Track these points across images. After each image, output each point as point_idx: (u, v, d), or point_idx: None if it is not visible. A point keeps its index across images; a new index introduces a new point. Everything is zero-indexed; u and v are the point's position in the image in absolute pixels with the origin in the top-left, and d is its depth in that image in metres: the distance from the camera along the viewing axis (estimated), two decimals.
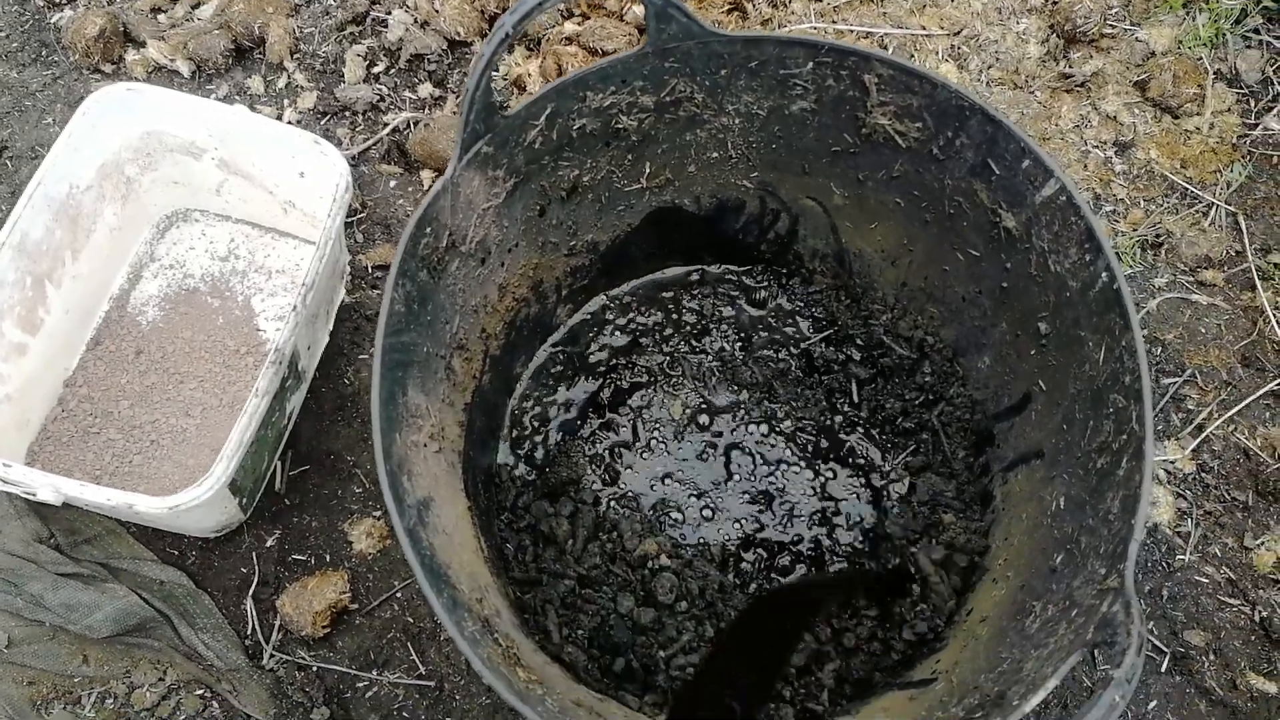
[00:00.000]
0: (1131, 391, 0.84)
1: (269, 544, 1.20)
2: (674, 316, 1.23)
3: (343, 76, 1.48)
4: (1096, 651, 0.74)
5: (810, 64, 1.00)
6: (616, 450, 1.15)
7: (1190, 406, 1.31)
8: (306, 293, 1.09)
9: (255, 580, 1.17)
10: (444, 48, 1.48)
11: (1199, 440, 1.29)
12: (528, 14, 0.86)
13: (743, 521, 1.12)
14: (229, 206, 1.32)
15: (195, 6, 1.54)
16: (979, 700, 0.82)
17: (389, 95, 1.47)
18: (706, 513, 1.12)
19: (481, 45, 1.50)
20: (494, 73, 1.48)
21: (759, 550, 1.10)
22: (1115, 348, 0.87)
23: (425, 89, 1.47)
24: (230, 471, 1.01)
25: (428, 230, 0.90)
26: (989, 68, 1.51)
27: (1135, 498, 0.80)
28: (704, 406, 1.17)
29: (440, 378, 0.98)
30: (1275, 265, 1.39)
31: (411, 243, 0.88)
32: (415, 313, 0.91)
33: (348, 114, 1.47)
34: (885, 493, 1.13)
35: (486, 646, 0.80)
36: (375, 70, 1.49)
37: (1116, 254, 1.39)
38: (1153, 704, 1.15)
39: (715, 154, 1.11)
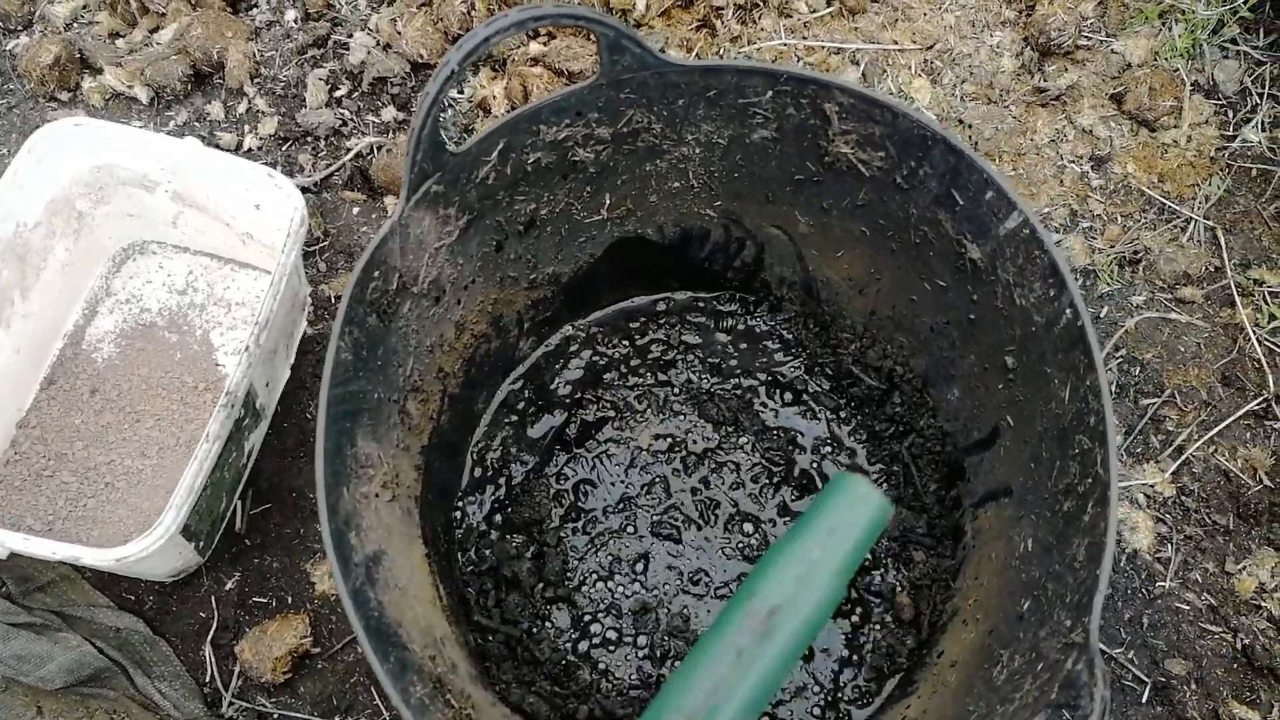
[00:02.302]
0: (1096, 434, 0.82)
1: (229, 586, 1.17)
2: (640, 347, 1.20)
3: (304, 101, 1.45)
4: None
5: (770, 93, 0.98)
6: (581, 488, 1.12)
7: (1170, 428, 1.29)
8: (260, 332, 1.07)
9: (215, 625, 1.15)
10: (407, 70, 1.45)
11: (1179, 463, 1.26)
12: (472, 51, 0.83)
13: (709, 559, 1.09)
14: (186, 238, 1.30)
15: (154, 31, 1.50)
16: None
17: (351, 119, 1.44)
18: (672, 549, 1.10)
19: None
20: (459, 95, 1.45)
21: (726, 589, 1.08)
22: (1080, 387, 0.85)
23: (388, 113, 1.45)
24: (180, 520, 0.98)
25: (375, 274, 0.88)
26: (963, 82, 1.48)
27: (1100, 545, 0.77)
28: (670, 442, 1.15)
29: (394, 423, 0.95)
30: (1255, 281, 1.36)
31: (358, 288, 0.86)
32: (365, 359, 0.88)
33: (309, 139, 1.44)
34: None
35: (436, 711, 0.78)
36: (337, 94, 1.46)
37: (1094, 272, 1.37)
38: None
39: (677, 183, 1.09)
